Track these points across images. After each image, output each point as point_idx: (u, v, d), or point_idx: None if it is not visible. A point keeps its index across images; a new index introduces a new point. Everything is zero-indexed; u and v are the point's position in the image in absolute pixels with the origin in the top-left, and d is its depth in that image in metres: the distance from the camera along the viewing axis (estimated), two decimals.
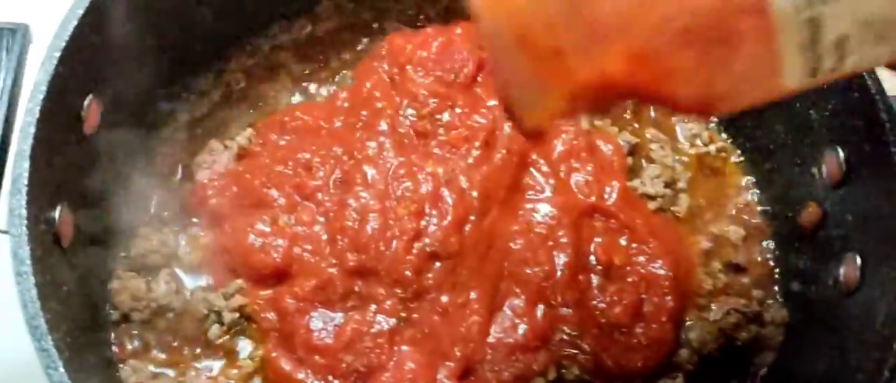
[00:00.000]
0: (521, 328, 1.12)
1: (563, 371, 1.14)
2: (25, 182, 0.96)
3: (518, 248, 1.17)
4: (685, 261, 1.23)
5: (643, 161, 1.30)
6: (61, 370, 0.90)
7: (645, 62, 0.67)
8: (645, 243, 1.19)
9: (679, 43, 0.65)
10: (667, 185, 1.27)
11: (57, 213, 1.03)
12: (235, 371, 1.13)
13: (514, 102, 0.73)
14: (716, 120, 1.34)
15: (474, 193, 1.17)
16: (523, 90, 0.72)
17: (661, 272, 1.17)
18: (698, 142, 1.32)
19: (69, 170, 1.07)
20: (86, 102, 1.08)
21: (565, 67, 0.69)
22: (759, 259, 1.25)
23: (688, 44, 0.65)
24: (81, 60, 1.06)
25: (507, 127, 1.22)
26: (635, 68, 0.67)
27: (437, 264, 1.12)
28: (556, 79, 0.70)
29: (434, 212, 1.14)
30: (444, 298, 1.11)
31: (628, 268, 1.18)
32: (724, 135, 1.34)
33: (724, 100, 0.70)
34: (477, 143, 1.20)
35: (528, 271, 1.15)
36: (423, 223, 1.14)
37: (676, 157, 1.31)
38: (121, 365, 1.12)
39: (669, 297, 1.16)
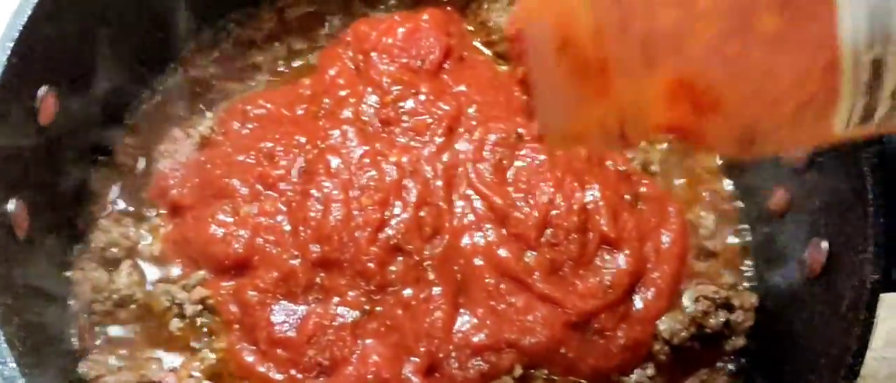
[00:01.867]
0: (485, 330, 1.09)
1: (532, 370, 1.12)
2: None
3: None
4: (685, 253, 1.20)
5: None
6: (12, 364, 0.88)
7: (690, 90, 0.61)
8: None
9: (732, 69, 0.59)
10: (642, 169, 1.26)
11: (11, 206, 1.01)
12: (197, 363, 1.11)
13: (541, 111, 0.68)
14: None
15: (439, 183, 1.15)
16: (555, 100, 0.67)
17: (665, 271, 1.16)
18: None
19: (24, 162, 1.05)
20: (40, 93, 1.06)
21: (605, 84, 0.63)
22: (729, 244, 1.24)
23: (741, 71, 0.59)
24: (35, 50, 1.04)
25: (472, 111, 1.21)
26: (678, 95, 0.61)
27: (400, 257, 1.11)
28: (593, 95, 0.64)
29: (398, 203, 1.13)
30: (408, 292, 1.10)
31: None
32: None
33: (764, 143, 0.63)
34: (440, 131, 1.18)
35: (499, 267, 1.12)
36: (387, 214, 1.12)
37: (648, 142, 1.29)
38: (81, 359, 1.11)
39: (663, 298, 1.15)
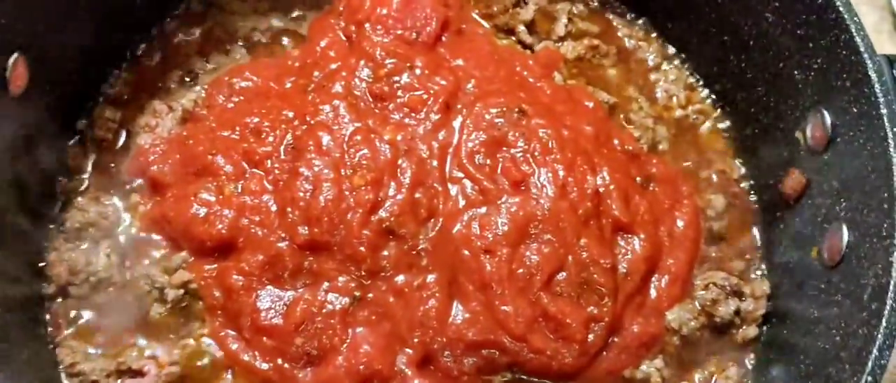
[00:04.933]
0: (479, 326, 1.02)
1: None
2: None
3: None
4: (699, 237, 1.15)
5: (622, 121, 1.22)
6: None
7: None
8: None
9: None
10: (649, 149, 1.20)
11: None
12: (178, 351, 1.05)
13: None
14: (695, 78, 1.26)
15: (434, 163, 1.08)
16: None
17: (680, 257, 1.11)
18: (674, 101, 1.25)
19: None
20: (10, 61, 0.99)
21: None
22: (739, 228, 1.18)
23: None
24: (4, 14, 0.96)
25: (470, 86, 1.14)
26: None
27: (393, 241, 1.04)
28: None
29: (392, 184, 1.06)
30: (400, 278, 1.04)
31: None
32: (703, 95, 1.26)
33: None
34: (436, 107, 1.11)
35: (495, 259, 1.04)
36: (380, 195, 1.05)
37: (655, 119, 1.23)
38: (55, 346, 1.05)
39: (677, 285, 1.10)
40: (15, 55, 0.99)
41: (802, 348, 1.04)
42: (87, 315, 1.07)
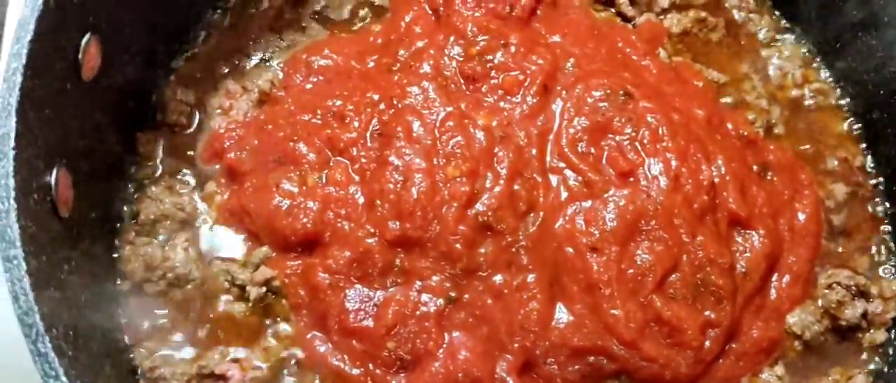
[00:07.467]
0: (585, 330, 0.95)
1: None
2: (12, 144, 0.80)
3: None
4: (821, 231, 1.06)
5: (732, 100, 1.12)
6: (63, 379, 0.75)
7: None
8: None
9: None
10: (765, 133, 1.09)
11: (53, 177, 0.87)
12: (262, 352, 0.99)
13: None
14: (812, 54, 1.15)
15: (533, 151, 1.00)
16: None
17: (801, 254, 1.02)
18: (789, 79, 1.14)
19: (66, 124, 0.91)
20: (83, 42, 0.91)
21: None
22: (865, 222, 1.08)
23: None
24: None
25: (569, 66, 1.05)
26: None
27: (491, 237, 0.96)
28: None
29: (488, 175, 0.98)
30: (498, 278, 0.95)
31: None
32: (822, 73, 1.15)
33: None
34: (533, 89, 1.02)
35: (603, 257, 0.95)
36: (477, 186, 0.97)
37: (770, 99, 1.12)
38: (133, 348, 0.99)
39: (799, 285, 1.01)
40: (88, 35, 0.92)
41: None
42: (164, 313, 1.01)
